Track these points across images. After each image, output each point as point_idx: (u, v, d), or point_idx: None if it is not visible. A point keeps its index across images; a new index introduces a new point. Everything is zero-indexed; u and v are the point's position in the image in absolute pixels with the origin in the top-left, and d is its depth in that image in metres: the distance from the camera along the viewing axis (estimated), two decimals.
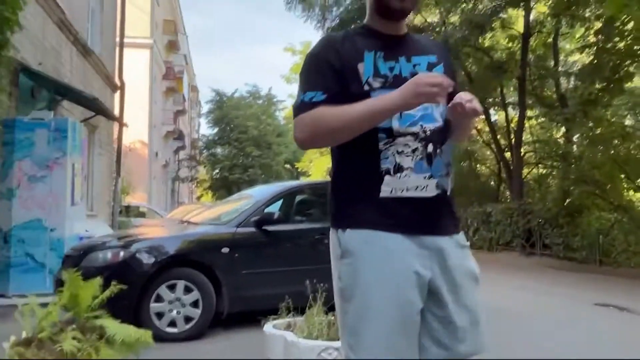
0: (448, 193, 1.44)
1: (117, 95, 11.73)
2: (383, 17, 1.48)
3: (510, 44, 14.21)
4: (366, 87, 1.39)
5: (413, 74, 1.37)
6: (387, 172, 1.37)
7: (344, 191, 1.46)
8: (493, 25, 12.93)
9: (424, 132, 1.39)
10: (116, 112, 10.97)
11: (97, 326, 2.76)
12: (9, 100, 6.19)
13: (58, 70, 7.99)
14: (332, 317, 3.32)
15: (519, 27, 13.65)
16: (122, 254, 4.04)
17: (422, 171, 1.38)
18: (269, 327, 3.41)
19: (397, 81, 1.37)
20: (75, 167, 6.01)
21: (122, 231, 7.45)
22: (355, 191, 1.42)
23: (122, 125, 10.72)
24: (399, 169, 1.37)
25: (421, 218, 1.38)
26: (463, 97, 1.36)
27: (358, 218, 1.39)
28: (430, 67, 1.47)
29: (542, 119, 15.52)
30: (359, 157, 1.41)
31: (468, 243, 1.51)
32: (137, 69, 21.58)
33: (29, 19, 6.59)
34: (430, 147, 1.39)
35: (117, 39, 11.64)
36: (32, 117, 5.86)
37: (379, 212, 1.37)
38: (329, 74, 1.41)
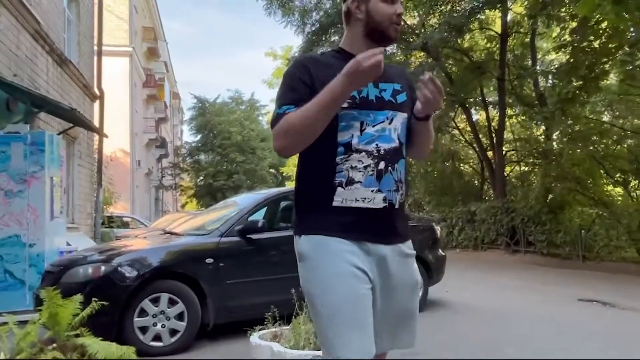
0: (396, 206, 1.58)
1: (96, 104, 11.57)
2: (374, 42, 1.61)
3: (488, 45, 14.40)
4: None
5: (378, 98, 1.58)
6: (340, 184, 1.54)
7: (303, 201, 1.62)
8: (471, 27, 13.09)
9: (378, 151, 1.56)
10: (96, 121, 10.81)
11: (77, 345, 2.71)
12: None
13: (34, 81, 7.84)
14: None
15: (497, 27, 13.85)
16: (103, 268, 3.95)
17: (371, 185, 1.54)
18: (255, 337, 3.37)
19: (364, 102, 1.55)
20: (53, 180, 5.89)
21: (104, 244, 7.32)
22: (312, 201, 1.58)
23: (101, 135, 10.57)
24: (350, 182, 1.53)
25: (367, 227, 1.53)
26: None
27: (312, 225, 1.56)
28: (395, 93, 1.63)
29: (522, 118, 15.76)
30: (317, 170, 1.57)
31: (414, 252, 1.66)
32: (116, 78, 21.33)
33: (2, 30, 6.46)
34: (381, 165, 1.55)
35: (95, 48, 11.49)
36: (7, 130, 5.72)
37: (330, 219, 1.53)
38: (300, 89, 1.54)
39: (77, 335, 2.83)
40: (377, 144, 1.55)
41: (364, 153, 1.54)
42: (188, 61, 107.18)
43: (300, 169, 1.63)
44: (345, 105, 1.52)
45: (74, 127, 9.17)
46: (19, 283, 5.34)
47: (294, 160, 31.80)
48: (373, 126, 1.57)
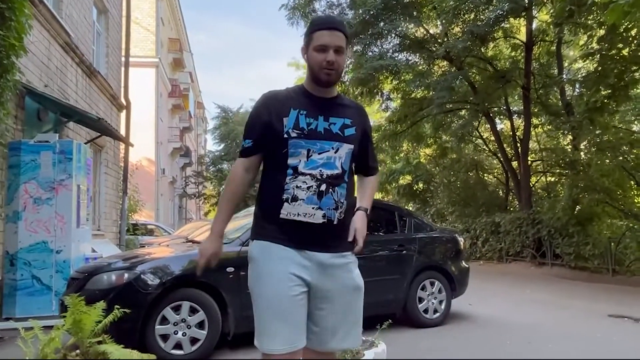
0: (335, 222, 1.84)
1: (123, 114, 11.83)
2: (314, 83, 1.92)
3: (513, 53, 14.19)
4: (285, 135, 1.84)
5: (326, 130, 1.88)
6: (286, 200, 1.82)
7: (258, 212, 1.92)
8: (495, 35, 12.93)
9: (321, 175, 1.84)
10: (122, 130, 11.05)
11: (100, 352, 2.73)
12: (15, 124, 6.25)
13: (64, 91, 8.07)
14: None
15: (522, 36, 13.65)
16: (126, 275, 4.00)
17: (312, 203, 1.81)
18: None
19: (312, 133, 1.86)
20: (80, 189, 6.02)
21: (128, 252, 7.43)
22: (265, 212, 1.89)
23: (127, 144, 10.78)
24: (294, 198, 1.81)
25: (307, 238, 1.82)
26: (359, 229, 1.91)
27: (262, 232, 1.87)
28: (344, 127, 1.91)
29: (549, 127, 15.44)
30: (271, 187, 1.87)
31: (355, 260, 1.95)
32: (143, 88, 21.80)
33: (35, 42, 6.67)
34: (323, 187, 1.83)
35: (123, 59, 11.78)
36: (37, 139, 5.89)
37: (277, 229, 1.83)
38: (258, 126, 1.90)
39: (99, 342, 2.86)
40: (321, 170, 1.84)
41: (308, 176, 1.82)
42: (212, 72, 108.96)
43: (260, 184, 1.92)
44: (294, 135, 1.84)
45: (101, 136, 9.40)
46: (45, 289, 5.46)
47: None
48: (319, 154, 1.84)
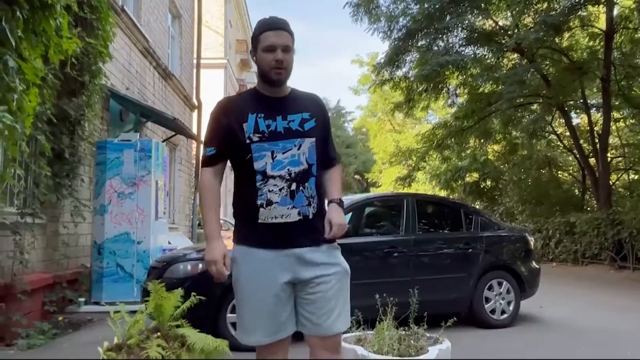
0: (310, 217, 1.93)
1: (195, 113, 12.45)
2: (268, 85, 1.96)
3: (591, 43, 13.33)
4: (248, 141, 1.89)
5: (286, 129, 1.92)
6: (262, 205, 1.89)
7: (236, 217, 2.01)
8: (571, 25, 12.22)
9: (289, 174, 1.90)
10: (194, 129, 11.65)
11: (178, 335, 2.95)
12: (102, 124, 6.81)
13: (143, 93, 8.65)
14: (403, 332, 3.29)
15: (601, 24, 12.79)
16: (200, 266, 4.26)
17: (286, 204, 1.89)
18: None
19: (272, 135, 1.90)
20: (158, 184, 6.45)
21: (201, 244, 7.84)
22: (243, 218, 1.98)
23: (199, 142, 11.34)
24: (269, 203, 1.89)
25: (285, 237, 1.90)
26: (334, 221, 1.93)
27: (242, 237, 1.97)
28: (303, 122, 1.95)
29: (632, 121, 14.35)
30: (244, 193, 1.94)
31: (335, 245, 2.01)
32: (212, 88, 22.68)
33: (117, 48, 7.22)
34: (293, 186, 1.90)
35: (195, 61, 12.39)
36: (120, 138, 6.38)
37: (255, 234, 1.92)
38: (219, 133, 1.95)
39: (177, 326, 3.09)
40: (288, 169, 1.90)
41: (278, 178, 1.89)
42: None
43: (234, 191, 2.00)
44: (256, 139, 1.89)
45: (176, 135, 9.97)
46: (128, 276, 5.92)
47: (379, 166, 31.68)
48: (283, 153, 1.90)
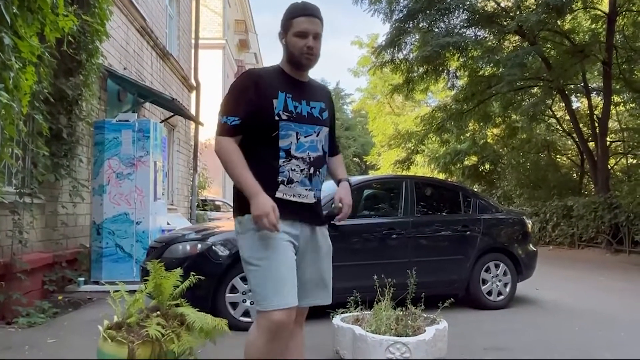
0: (320, 200, 2.09)
1: (193, 94, 12.36)
2: (292, 66, 2.00)
3: (593, 26, 13.20)
4: (277, 117, 1.93)
5: (309, 114, 2.00)
6: (282, 182, 1.95)
7: None
8: (573, 6, 12.07)
9: (309, 158, 1.99)
10: (192, 111, 11.57)
11: (178, 314, 2.97)
12: (99, 104, 6.75)
13: (140, 73, 8.56)
14: (401, 313, 3.33)
15: (604, 6, 12.64)
16: (199, 246, 4.28)
17: (305, 185, 1.99)
18: (337, 320, 3.48)
19: (298, 117, 1.97)
20: (157, 165, 6.43)
21: (200, 224, 7.86)
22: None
23: (198, 123, 11.28)
24: (290, 181, 1.96)
25: (301, 214, 2.00)
26: (344, 201, 2.07)
27: None
28: (321, 111, 2.06)
29: (632, 105, 14.31)
30: (265, 169, 1.95)
31: (325, 229, 2.15)
32: (210, 69, 22.49)
33: (114, 27, 7.12)
34: (312, 170, 2.00)
35: (193, 41, 12.24)
36: (118, 119, 6.33)
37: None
38: (246, 104, 1.93)
39: (177, 305, 3.11)
40: (308, 153, 1.98)
41: (300, 159, 1.96)
42: (276, 52, 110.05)
43: (250, 166, 1.94)
44: (284, 117, 1.93)
45: (174, 116, 9.90)
46: (127, 256, 5.94)
47: (378, 149, 31.61)
48: (305, 137, 1.97)
